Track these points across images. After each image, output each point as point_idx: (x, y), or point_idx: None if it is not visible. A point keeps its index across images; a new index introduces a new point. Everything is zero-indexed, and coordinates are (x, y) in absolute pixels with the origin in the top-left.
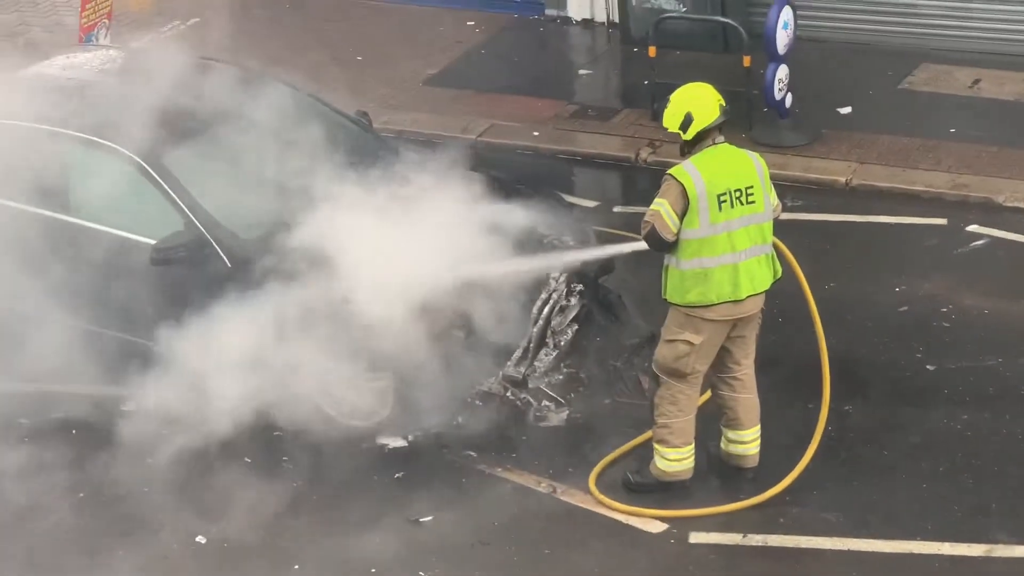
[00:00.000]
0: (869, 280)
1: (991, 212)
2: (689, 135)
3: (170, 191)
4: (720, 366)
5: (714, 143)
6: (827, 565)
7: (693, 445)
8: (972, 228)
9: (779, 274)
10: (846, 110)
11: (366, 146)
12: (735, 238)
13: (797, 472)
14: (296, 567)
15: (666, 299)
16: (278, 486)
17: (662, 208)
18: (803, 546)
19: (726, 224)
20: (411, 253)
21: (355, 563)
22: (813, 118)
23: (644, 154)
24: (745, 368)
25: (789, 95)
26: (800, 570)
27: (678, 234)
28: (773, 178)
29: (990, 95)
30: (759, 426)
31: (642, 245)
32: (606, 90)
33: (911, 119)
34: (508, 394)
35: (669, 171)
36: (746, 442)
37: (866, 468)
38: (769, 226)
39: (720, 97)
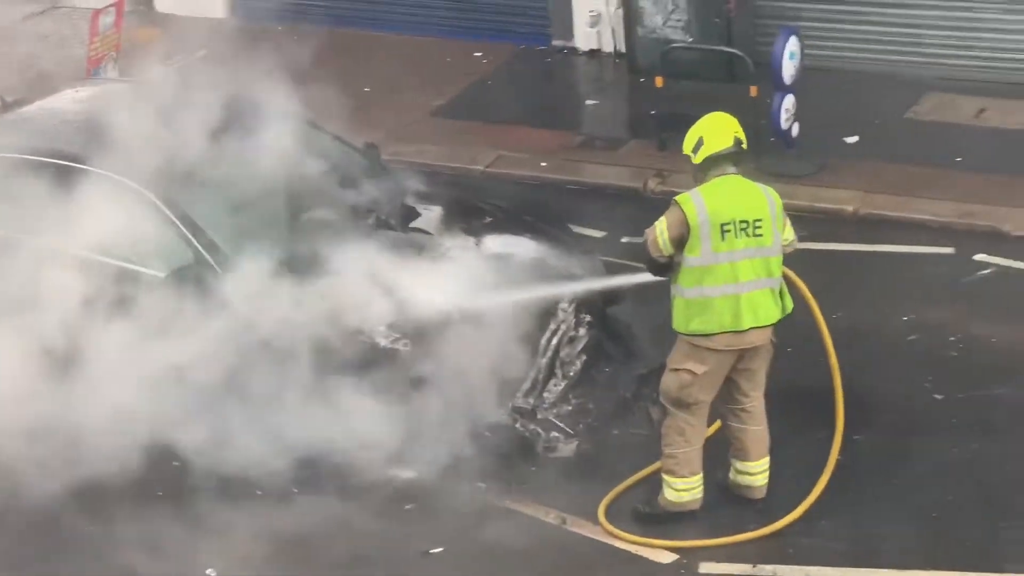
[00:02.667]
0: (877, 309)
1: (998, 241)
2: (698, 159)
3: (179, 224)
4: (728, 397)
5: (724, 174)
6: None
7: (701, 475)
8: (979, 257)
9: (789, 310)
10: (853, 139)
11: (374, 178)
12: (738, 269)
13: (808, 503)
14: None
15: (674, 329)
16: (288, 516)
17: (658, 227)
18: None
19: (729, 254)
20: (421, 286)
21: None
22: (820, 147)
23: (652, 184)
24: (753, 400)
25: (796, 125)
26: None
27: (671, 260)
28: None
29: (995, 124)
30: (768, 458)
31: (649, 276)
32: (613, 120)
33: (917, 148)
34: (517, 425)
35: (676, 197)
36: (754, 473)
37: (875, 498)
38: (778, 260)
39: (739, 130)
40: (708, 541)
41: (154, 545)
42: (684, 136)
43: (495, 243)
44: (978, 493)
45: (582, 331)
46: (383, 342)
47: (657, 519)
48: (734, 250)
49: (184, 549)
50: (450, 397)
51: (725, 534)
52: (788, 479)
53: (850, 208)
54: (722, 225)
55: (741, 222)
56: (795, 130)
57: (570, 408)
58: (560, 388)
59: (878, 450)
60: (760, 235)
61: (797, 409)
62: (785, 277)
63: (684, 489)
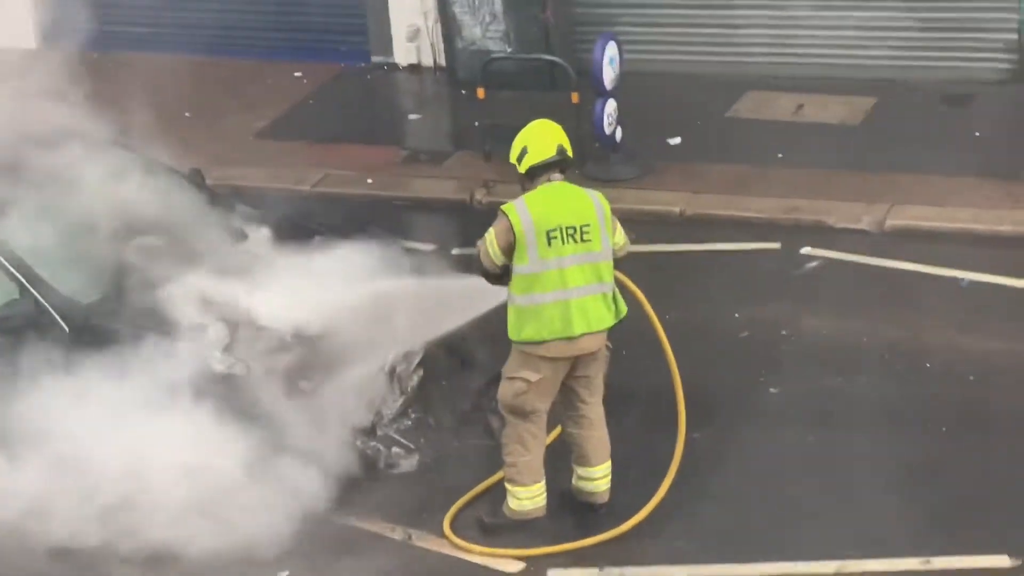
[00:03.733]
0: (709, 308)
1: (823, 234)
2: (522, 168)
3: (2, 260)
4: (567, 404)
5: (550, 181)
6: None
7: (543, 482)
8: (805, 251)
9: (623, 314)
10: (676, 141)
11: (199, 203)
12: (566, 275)
13: (653, 504)
14: None
15: (509, 337)
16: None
17: (487, 238)
18: (658, 575)
19: (557, 261)
20: (256, 307)
21: None
22: (644, 151)
23: (479, 195)
24: (592, 407)
25: (619, 129)
26: None
27: (507, 268)
28: None
29: (814, 119)
30: (609, 462)
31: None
32: (437, 134)
33: (740, 147)
34: (358, 443)
35: (502, 206)
36: (596, 479)
37: (716, 494)
38: (608, 266)
39: (563, 137)
40: (554, 548)
41: None
42: (509, 146)
43: (325, 261)
44: (816, 484)
45: (417, 347)
46: (219, 367)
47: (502, 529)
48: (562, 256)
49: None
50: (289, 417)
51: (571, 540)
52: (631, 481)
53: (676, 209)
54: (548, 232)
55: (568, 228)
56: (618, 135)
57: (409, 423)
58: (399, 403)
59: (717, 447)
60: (588, 240)
61: (635, 411)
62: (617, 281)
63: (527, 497)
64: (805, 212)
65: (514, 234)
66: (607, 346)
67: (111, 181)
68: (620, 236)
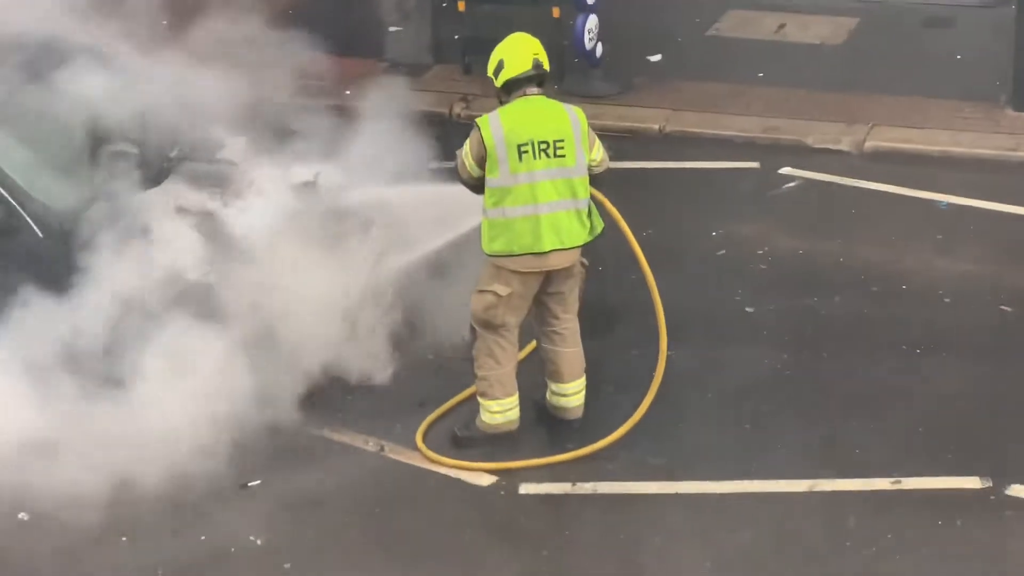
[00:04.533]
0: (686, 225)
1: (801, 154)
2: (499, 82)
3: None
4: (541, 320)
5: (526, 95)
6: (656, 508)
7: (516, 396)
8: (784, 170)
9: (598, 231)
10: (656, 58)
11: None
12: (537, 190)
13: (631, 423)
14: (123, 539)
15: (481, 249)
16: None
17: (464, 149)
18: (632, 492)
19: (528, 175)
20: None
21: (184, 533)
22: (624, 67)
23: (457, 109)
24: (565, 322)
25: (599, 45)
26: (630, 515)
27: (483, 180)
28: None
29: (796, 39)
30: (583, 378)
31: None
32: (417, 46)
33: (720, 65)
34: (332, 353)
35: (477, 119)
36: (568, 395)
37: (691, 412)
38: (582, 181)
39: (540, 51)
40: (527, 462)
41: None
42: (487, 60)
43: (302, 171)
44: (790, 403)
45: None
46: (192, 275)
47: (474, 442)
48: (533, 171)
49: None
50: (265, 328)
51: (545, 455)
52: (606, 398)
53: (656, 126)
54: (519, 146)
55: (540, 143)
56: (599, 50)
57: (385, 334)
58: (375, 314)
59: (693, 365)
60: (562, 155)
61: (616, 328)
62: (592, 197)
63: (499, 411)
64: (785, 132)
65: (485, 147)
66: (582, 263)
67: (88, 87)
68: (598, 152)
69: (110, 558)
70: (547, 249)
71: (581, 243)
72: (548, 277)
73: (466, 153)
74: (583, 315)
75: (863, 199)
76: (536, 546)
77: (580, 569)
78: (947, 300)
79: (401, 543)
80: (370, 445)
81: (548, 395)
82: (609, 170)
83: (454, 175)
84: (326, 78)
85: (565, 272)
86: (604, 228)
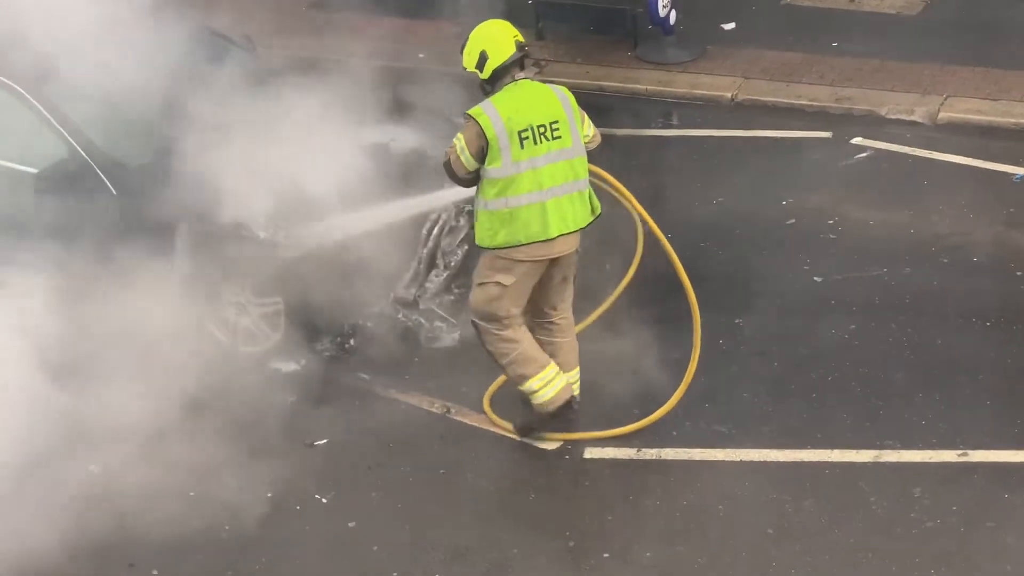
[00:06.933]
0: (756, 194)
1: (874, 125)
2: (486, 74)
3: (53, 120)
4: (536, 311)
5: (514, 79)
6: (720, 475)
7: (552, 364)
8: (856, 141)
9: (598, 211)
10: (730, 26)
11: (249, 68)
12: (541, 175)
13: (680, 393)
14: (191, 494)
15: (478, 244)
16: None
17: (457, 145)
18: (696, 458)
19: (530, 162)
20: (298, 175)
21: (251, 488)
22: (697, 35)
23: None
24: (562, 312)
25: (673, 12)
26: (694, 481)
27: (478, 173)
28: (659, 95)
29: (870, 9)
30: (578, 368)
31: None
32: (491, 10)
33: (794, 34)
34: (400, 316)
35: (468, 111)
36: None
37: (757, 380)
38: (582, 161)
39: (516, 32)
40: (592, 434)
41: None
42: (563, 24)
43: (374, 133)
44: (856, 373)
45: (462, 221)
46: (263, 234)
47: (537, 426)
48: (535, 157)
49: None
50: (332, 289)
51: (609, 422)
52: (669, 366)
53: (728, 95)
54: (519, 132)
55: (539, 127)
56: (673, 17)
57: (452, 298)
58: (442, 278)
59: (759, 333)
60: (559, 137)
61: (664, 297)
62: (592, 172)
63: (543, 386)
64: (858, 102)
65: (486, 139)
66: (576, 250)
67: (163, 46)
68: (588, 127)
69: (174, 515)
70: (554, 235)
71: (584, 225)
72: (549, 264)
73: (462, 148)
74: (630, 286)
75: (935, 170)
76: (600, 510)
77: (644, 534)
78: (1019, 273)
79: (465, 505)
80: (436, 407)
81: None
82: (601, 143)
83: (441, 173)
84: (400, 41)
85: (567, 258)
86: (601, 209)
